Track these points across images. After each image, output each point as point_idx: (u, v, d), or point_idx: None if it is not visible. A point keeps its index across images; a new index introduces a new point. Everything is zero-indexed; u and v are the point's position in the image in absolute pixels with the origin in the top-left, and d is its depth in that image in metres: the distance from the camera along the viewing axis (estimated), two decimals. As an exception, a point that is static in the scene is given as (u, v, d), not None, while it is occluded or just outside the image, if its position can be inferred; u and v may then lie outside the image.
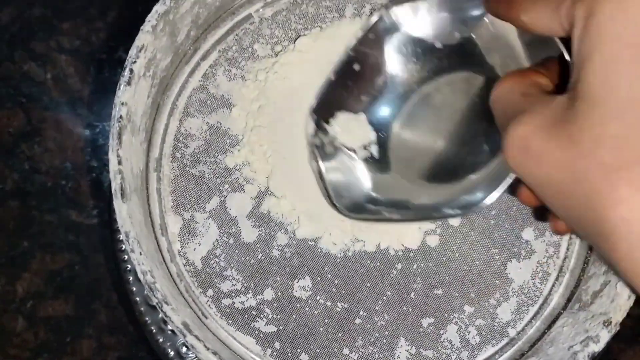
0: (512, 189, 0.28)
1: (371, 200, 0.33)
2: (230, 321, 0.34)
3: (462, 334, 0.35)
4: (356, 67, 0.33)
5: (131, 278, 0.37)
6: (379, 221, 0.34)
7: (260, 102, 0.36)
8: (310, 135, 0.34)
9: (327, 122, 0.34)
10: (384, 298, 0.35)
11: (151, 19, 0.31)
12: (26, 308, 0.41)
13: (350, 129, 0.34)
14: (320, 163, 0.34)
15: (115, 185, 0.29)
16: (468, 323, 0.35)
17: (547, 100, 0.22)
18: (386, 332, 0.35)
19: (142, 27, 0.31)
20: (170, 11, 0.32)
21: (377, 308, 0.35)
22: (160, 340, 0.37)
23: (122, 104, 0.30)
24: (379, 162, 0.34)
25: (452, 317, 0.35)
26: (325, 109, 0.34)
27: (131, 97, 0.31)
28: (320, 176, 0.34)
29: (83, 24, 0.45)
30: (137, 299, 0.37)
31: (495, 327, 0.35)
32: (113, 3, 0.46)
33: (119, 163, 0.30)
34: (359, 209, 0.33)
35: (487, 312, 0.35)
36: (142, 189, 0.34)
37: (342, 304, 0.35)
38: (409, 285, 0.35)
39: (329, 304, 0.35)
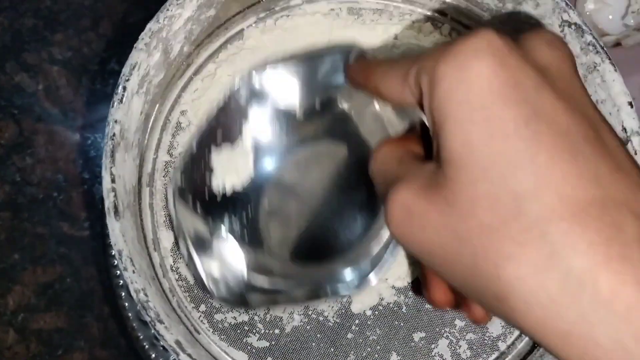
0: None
1: (251, 288, 0.32)
2: (222, 336, 0.34)
3: (453, 348, 0.35)
4: (219, 136, 0.32)
5: (123, 293, 0.37)
6: (262, 307, 0.33)
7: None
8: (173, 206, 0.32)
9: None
10: (376, 312, 0.35)
11: (144, 36, 0.31)
12: (17, 321, 0.41)
13: (230, 164, 0.32)
14: (191, 249, 0.32)
15: (108, 204, 0.29)
16: (459, 337, 0.35)
17: (421, 166, 0.22)
18: (378, 347, 0.35)
19: (135, 45, 0.31)
20: (164, 29, 0.32)
21: (369, 322, 0.35)
22: (153, 355, 0.37)
23: (115, 121, 0.30)
24: (252, 245, 0.32)
25: (443, 331, 0.35)
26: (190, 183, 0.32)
27: (124, 114, 0.31)
28: (191, 263, 0.32)
29: (75, 35, 0.45)
30: (129, 314, 0.37)
31: (485, 341, 0.35)
32: (105, 14, 0.46)
33: (113, 181, 0.29)
34: (240, 298, 0.32)
35: (478, 326, 0.35)
36: (135, 205, 0.34)
37: (335, 318, 0.35)
38: (401, 299, 0.35)
39: (321, 318, 0.35)
